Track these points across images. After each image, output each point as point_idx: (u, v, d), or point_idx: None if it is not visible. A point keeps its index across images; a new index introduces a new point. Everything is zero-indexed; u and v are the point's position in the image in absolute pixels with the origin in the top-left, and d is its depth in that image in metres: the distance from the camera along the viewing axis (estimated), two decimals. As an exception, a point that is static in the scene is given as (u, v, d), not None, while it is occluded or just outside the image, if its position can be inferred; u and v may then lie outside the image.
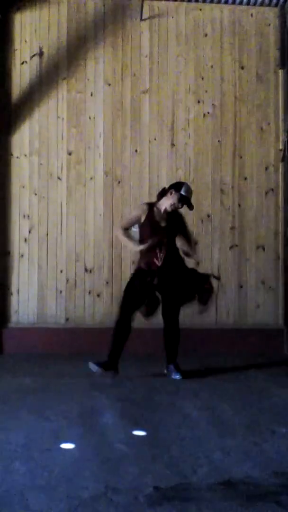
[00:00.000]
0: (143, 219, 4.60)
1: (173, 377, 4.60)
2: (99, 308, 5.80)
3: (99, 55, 5.93)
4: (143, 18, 5.91)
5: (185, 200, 4.62)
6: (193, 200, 5.76)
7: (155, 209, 4.63)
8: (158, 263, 4.52)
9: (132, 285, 4.60)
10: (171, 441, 3.11)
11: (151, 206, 4.65)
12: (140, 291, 4.57)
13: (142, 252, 4.61)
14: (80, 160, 5.86)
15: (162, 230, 4.56)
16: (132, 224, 4.67)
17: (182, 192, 4.59)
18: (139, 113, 5.93)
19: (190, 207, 4.69)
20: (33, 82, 5.86)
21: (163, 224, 4.59)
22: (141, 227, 4.62)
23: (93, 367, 4.46)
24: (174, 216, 4.66)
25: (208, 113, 5.97)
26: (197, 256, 5.07)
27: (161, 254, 4.52)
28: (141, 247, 4.54)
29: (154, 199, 5.61)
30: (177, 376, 4.59)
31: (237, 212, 5.94)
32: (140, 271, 4.62)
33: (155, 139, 5.92)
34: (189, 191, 4.67)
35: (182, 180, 5.82)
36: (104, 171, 5.86)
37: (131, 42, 5.95)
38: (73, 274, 5.81)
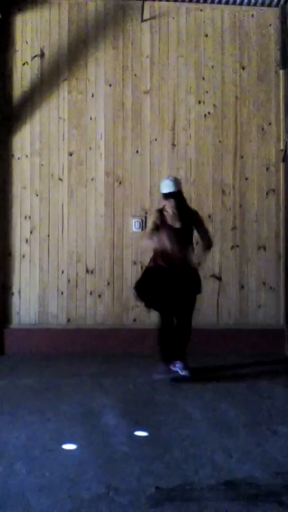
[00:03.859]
0: (158, 223, 4.67)
1: (182, 373, 4.61)
2: (100, 308, 5.80)
3: (100, 55, 5.93)
4: (144, 18, 5.91)
5: (171, 196, 4.64)
6: (194, 201, 5.84)
7: (165, 213, 4.69)
8: (177, 262, 4.58)
9: (148, 285, 4.65)
10: (172, 441, 3.12)
11: (161, 211, 4.72)
12: (159, 287, 4.60)
13: (162, 252, 4.65)
14: (81, 161, 5.86)
15: (177, 232, 4.62)
16: (155, 231, 4.67)
17: (162, 191, 4.70)
18: (140, 113, 5.93)
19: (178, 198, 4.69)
20: (34, 83, 5.87)
21: (177, 225, 4.65)
22: (159, 232, 4.66)
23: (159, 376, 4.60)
24: (187, 215, 4.70)
25: (209, 113, 5.97)
26: (200, 257, 4.98)
27: (180, 254, 4.58)
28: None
29: (155, 200, 5.67)
30: (185, 373, 4.59)
31: (238, 212, 5.94)
32: (159, 268, 4.64)
33: (156, 139, 5.92)
34: (168, 185, 4.69)
35: (183, 180, 5.84)
36: (105, 172, 5.87)
37: (132, 43, 5.95)
38: (74, 275, 5.81)
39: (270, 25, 6.04)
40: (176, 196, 4.66)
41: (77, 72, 5.90)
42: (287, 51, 5.97)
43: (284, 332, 5.86)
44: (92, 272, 5.82)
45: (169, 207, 4.67)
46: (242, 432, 3.29)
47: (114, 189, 5.86)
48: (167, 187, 4.69)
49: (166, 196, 4.68)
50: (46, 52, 5.88)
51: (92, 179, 5.86)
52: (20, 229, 5.81)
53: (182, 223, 4.65)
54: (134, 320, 5.70)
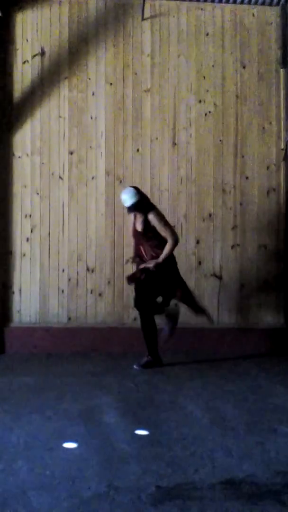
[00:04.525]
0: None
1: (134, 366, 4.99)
2: (101, 307, 5.80)
3: (101, 54, 5.92)
4: (144, 17, 5.90)
5: (130, 210, 4.97)
6: (195, 199, 5.84)
7: (137, 217, 5.01)
8: (143, 259, 5.00)
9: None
10: (173, 440, 3.12)
11: (135, 215, 5.03)
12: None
13: (135, 253, 5.19)
14: (82, 160, 5.86)
15: (139, 235, 4.99)
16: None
17: (126, 206, 4.98)
18: (140, 112, 5.93)
19: (142, 206, 4.94)
20: (34, 82, 5.86)
21: (139, 229, 4.97)
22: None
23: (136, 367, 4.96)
24: (145, 219, 4.93)
25: (210, 112, 5.96)
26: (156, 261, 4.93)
27: (145, 254, 4.98)
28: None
29: (155, 198, 5.67)
30: (135, 367, 4.94)
31: (238, 211, 5.94)
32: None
33: (156, 138, 5.92)
34: (124, 201, 4.95)
35: (184, 179, 5.86)
36: (105, 171, 5.86)
37: (132, 41, 5.95)
38: (75, 274, 5.81)
39: (271, 24, 6.04)
40: (135, 207, 4.92)
41: (77, 70, 5.90)
42: (287, 49, 5.96)
43: (284, 330, 5.86)
44: (92, 271, 5.82)
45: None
46: (242, 431, 3.29)
47: (115, 187, 5.86)
48: (124, 202, 4.99)
49: (128, 210, 5.01)
50: (47, 51, 5.88)
51: (92, 178, 5.85)
52: (20, 228, 5.81)
53: (143, 227, 4.93)
54: (135, 319, 5.69)
